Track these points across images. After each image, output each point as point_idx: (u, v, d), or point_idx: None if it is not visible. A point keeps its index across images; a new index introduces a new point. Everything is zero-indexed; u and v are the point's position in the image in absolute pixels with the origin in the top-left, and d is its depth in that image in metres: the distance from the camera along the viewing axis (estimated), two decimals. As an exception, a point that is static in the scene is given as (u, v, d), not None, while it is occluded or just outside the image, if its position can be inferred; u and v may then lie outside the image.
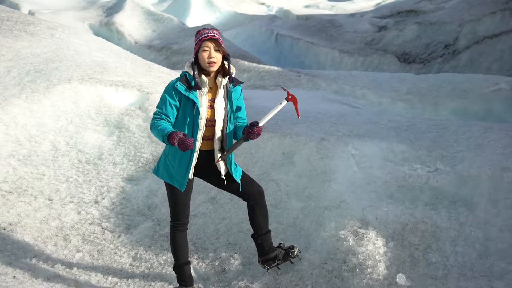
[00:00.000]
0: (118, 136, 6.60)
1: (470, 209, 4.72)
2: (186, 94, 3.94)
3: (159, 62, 17.82)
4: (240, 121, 4.20)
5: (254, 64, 16.24)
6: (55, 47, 9.13)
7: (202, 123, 4.01)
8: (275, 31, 25.43)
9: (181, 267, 4.26)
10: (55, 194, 5.71)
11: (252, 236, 4.43)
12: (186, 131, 3.95)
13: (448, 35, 20.87)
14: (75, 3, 29.97)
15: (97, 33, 20.95)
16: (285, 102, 4.21)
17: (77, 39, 10.19)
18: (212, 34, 3.98)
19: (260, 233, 4.37)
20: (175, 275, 4.32)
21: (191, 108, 3.96)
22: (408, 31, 22.36)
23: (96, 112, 6.90)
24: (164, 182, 4.17)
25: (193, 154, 4.03)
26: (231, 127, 4.12)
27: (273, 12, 34.63)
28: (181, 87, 3.95)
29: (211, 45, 3.96)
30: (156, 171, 4.17)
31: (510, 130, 5.97)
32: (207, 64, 3.97)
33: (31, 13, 24.12)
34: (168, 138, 3.75)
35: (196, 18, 29.67)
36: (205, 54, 3.96)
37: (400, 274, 4.19)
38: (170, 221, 4.22)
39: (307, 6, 39.41)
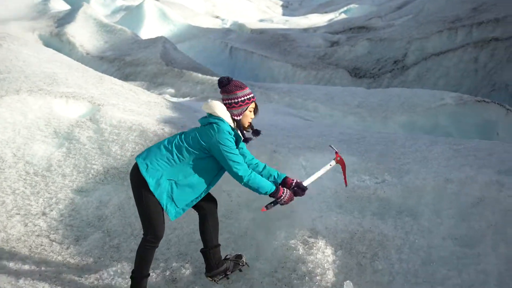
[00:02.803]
0: (68, 147, 6.51)
1: (415, 218, 4.88)
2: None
3: (111, 73, 17.63)
4: (248, 156, 4.41)
5: (208, 77, 16.28)
6: (2, 57, 8.94)
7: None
8: (229, 44, 25.54)
9: (140, 278, 4.24)
10: (0, 207, 5.59)
11: (202, 250, 4.45)
12: (214, 173, 4.21)
13: (397, 51, 21.44)
14: (25, 13, 29.33)
15: (47, 44, 20.56)
16: (334, 163, 4.48)
17: (27, 49, 10.00)
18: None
19: (211, 246, 4.39)
20: (128, 284, 4.30)
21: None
22: (359, 46, 22.85)
23: (45, 124, 6.78)
24: (144, 194, 4.07)
25: (203, 194, 4.22)
26: None
27: (227, 26, 34.77)
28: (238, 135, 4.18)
29: (255, 106, 4.29)
30: (154, 188, 4.04)
31: (454, 144, 6.19)
32: (247, 123, 4.23)
33: (-22, 22, 23.48)
34: (272, 195, 4.18)
35: (150, 30, 29.49)
36: (250, 115, 4.22)
37: (348, 281, 4.29)
38: (145, 235, 4.18)
39: (261, 20, 39.75)
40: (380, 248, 4.60)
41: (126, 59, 19.75)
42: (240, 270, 4.57)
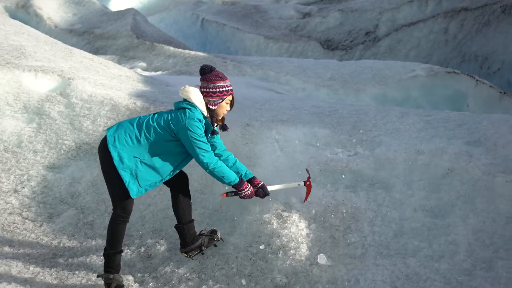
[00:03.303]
0: (39, 123, 6.40)
1: (387, 190, 4.96)
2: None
3: (80, 47, 17.27)
4: (219, 147, 4.44)
5: (180, 50, 16.07)
6: (-32, 30, 8.70)
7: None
8: (200, 16, 25.21)
9: (113, 255, 4.25)
10: (-29, 184, 5.50)
11: (176, 226, 4.46)
12: (181, 158, 4.21)
13: (368, 22, 21.45)
14: (-11, -16, 28.50)
15: (13, 16, 20.01)
16: (302, 185, 4.68)
17: (-8, 22, 9.74)
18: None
19: (184, 221, 4.41)
20: (102, 261, 4.30)
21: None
22: (331, 18, 22.78)
23: (14, 99, 6.65)
24: (112, 169, 4.08)
25: (167, 177, 4.24)
26: None
27: (198, -3, 34.29)
28: (209, 125, 4.19)
29: (232, 99, 4.30)
30: (118, 163, 4.04)
31: (425, 115, 6.27)
32: (221, 114, 4.25)
33: None
34: (235, 186, 4.28)
35: (119, 2, 28.92)
36: (226, 107, 4.23)
37: (321, 254, 4.36)
38: (114, 210, 4.19)
39: (232, -9, 39.28)
40: (353, 221, 4.67)
41: (96, 32, 19.38)
42: (215, 245, 4.61)
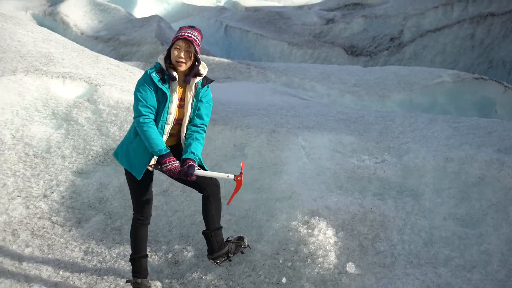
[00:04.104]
0: (67, 129, 6.48)
1: (416, 198, 4.90)
2: (160, 86, 3.99)
3: (106, 53, 17.48)
4: (197, 120, 4.19)
5: (204, 56, 16.15)
6: (-2, 37, 8.84)
7: (171, 118, 4.09)
8: (224, 22, 25.36)
9: (138, 259, 4.27)
10: (2, 189, 5.56)
11: (203, 232, 4.45)
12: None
13: (393, 28, 21.35)
14: (17, -9, 29.01)
15: (41, 24, 20.35)
16: (231, 178, 4.15)
17: (21, 29, 9.88)
18: (188, 34, 4.02)
19: (213, 228, 4.39)
20: (130, 267, 4.32)
21: (163, 101, 4.03)
22: (355, 24, 22.72)
23: (43, 105, 6.74)
24: (125, 172, 4.18)
25: None
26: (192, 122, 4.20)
27: (221, 4, 34.46)
28: (155, 77, 4.00)
29: (183, 44, 4.02)
30: (116, 155, 4.20)
31: (453, 122, 6.20)
32: (175, 62, 4.03)
33: (-30, 1, 23.20)
34: (160, 157, 3.96)
35: (144, 9, 29.22)
36: (176, 52, 4.02)
37: (350, 263, 4.32)
38: (133, 214, 4.23)
39: (256, -2, 39.41)
40: (381, 229, 4.62)
41: (121, 39, 19.60)
42: (242, 252, 4.59)
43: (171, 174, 4.02)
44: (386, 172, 5.23)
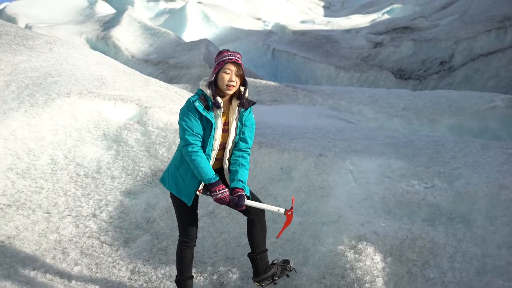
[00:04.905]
0: (117, 150, 6.62)
1: (468, 225, 4.75)
2: (204, 114, 3.98)
3: (156, 76, 17.89)
4: (242, 144, 4.19)
5: (251, 79, 16.31)
6: (53, 61, 9.17)
7: (216, 144, 4.08)
8: (271, 46, 25.57)
9: (184, 281, 4.28)
10: (53, 208, 5.71)
11: (249, 255, 4.42)
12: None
13: (443, 52, 21.05)
14: (72, 17, 30.08)
15: (94, 47, 21.03)
16: (282, 212, 4.16)
17: (76, 53, 10.24)
18: (236, 58, 4.02)
19: (258, 251, 4.36)
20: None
21: (208, 128, 4.03)
22: (404, 47, 22.53)
23: (94, 126, 6.92)
24: (171, 196, 4.22)
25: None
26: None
27: (269, 27, 34.84)
28: (199, 106, 3.99)
29: (233, 68, 4.01)
30: (163, 181, 4.23)
31: (507, 148, 6.02)
32: (225, 86, 4.00)
33: (28, 27, 24.20)
34: (210, 185, 3.96)
35: (193, 32, 29.81)
36: (226, 77, 3.99)
37: (398, 290, 4.21)
38: (179, 236, 4.26)
39: (303, 22, 39.67)
40: (431, 256, 4.49)
41: (170, 62, 19.99)
42: (288, 276, 4.54)
43: (221, 203, 4.04)
44: (436, 197, 5.11)
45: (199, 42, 22.11)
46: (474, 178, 5.23)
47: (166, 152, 6.48)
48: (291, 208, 4.17)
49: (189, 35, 29.15)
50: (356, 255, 4.55)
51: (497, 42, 19.77)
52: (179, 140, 4.15)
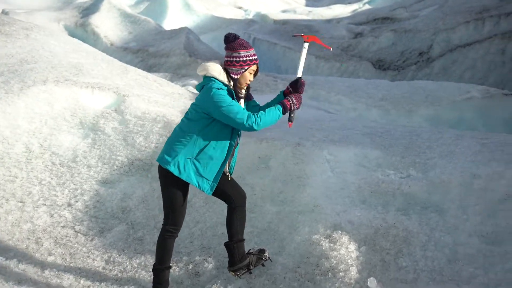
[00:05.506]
0: (93, 138, 6.56)
1: (441, 214, 4.82)
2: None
3: (135, 64, 17.71)
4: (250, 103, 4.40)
5: (231, 68, 16.26)
6: (30, 48, 9.03)
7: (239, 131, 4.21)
8: (252, 35, 25.50)
9: (162, 270, 4.26)
10: (27, 197, 5.66)
11: (226, 244, 4.44)
12: (228, 136, 4.12)
13: (422, 43, 21.19)
14: (50, 3, 29.64)
15: (72, 34, 20.75)
16: (307, 45, 4.34)
17: (53, 40, 10.09)
18: (256, 58, 4.15)
19: (236, 240, 4.38)
20: (151, 277, 4.33)
21: None
22: (384, 38, 22.63)
23: (71, 114, 6.84)
24: (166, 184, 4.13)
25: (228, 158, 4.18)
26: None
27: (250, 16, 34.68)
28: (230, 94, 4.05)
29: (255, 68, 4.17)
30: (179, 173, 4.05)
31: (480, 138, 6.09)
32: (244, 84, 4.15)
33: (5, 12, 23.79)
34: (284, 110, 4.12)
35: (173, 20, 29.57)
36: (249, 76, 4.14)
37: (372, 278, 4.26)
38: (165, 225, 4.22)
39: (284, 11, 39.56)
40: (404, 244, 4.55)
41: (150, 50, 19.85)
42: (263, 265, 4.57)
43: (301, 101, 4.23)
44: (411, 187, 5.17)
45: (179, 30, 21.94)
46: (448, 168, 5.30)
47: (144, 141, 6.44)
48: (303, 36, 4.41)
49: (169, 23, 28.91)
50: (331, 244, 4.59)
51: (475, 34, 19.96)
52: (174, 127, 4.18)
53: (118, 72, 9.02)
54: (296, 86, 4.21)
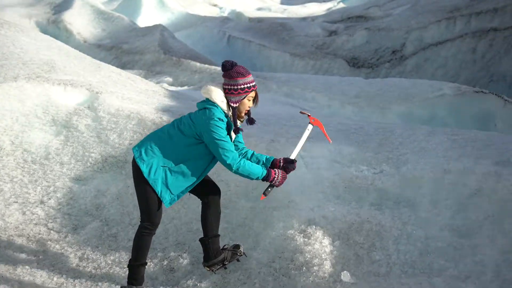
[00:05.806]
0: (66, 135, 6.49)
1: (413, 209, 4.90)
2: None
3: (108, 61, 17.51)
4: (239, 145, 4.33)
5: (206, 66, 16.23)
6: (0, 44, 8.89)
7: None
8: (227, 33, 25.44)
9: (137, 267, 4.24)
10: (-1, 194, 5.58)
11: (201, 239, 4.44)
12: (207, 161, 4.14)
13: (395, 41, 21.43)
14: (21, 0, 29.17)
15: (44, 31, 20.39)
16: (311, 127, 4.39)
17: (24, 36, 9.92)
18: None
19: (211, 235, 4.38)
20: (126, 273, 4.31)
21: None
22: (358, 36, 22.80)
23: (43, 111, 6.75)
24: (140, 181, 4.12)
25: (197, 181, 4.18)
26: None
27: (225, 14, 34.58)
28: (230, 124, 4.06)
29: (254, 94, 4.16)
30: (148, 175, 4.05)
31: (452, 134, 6.20)
32: (243, 112, 4.14)
33: (-25, 8, 23.33)
34: (266, 178, 4.11)
35: (147, 18, 29.33)
36: (248, 103, 4.12)
37: (345, 271, 4.32)
38: (142, 222, 4.20)
39: (259, 9, 39.55)
40: (377, 238, 4.62)
41: (124, 47, 19.68)
42: (238, 260, 4.58)
43: (284, 180, 4.23)
44: (384, 182, 5.24)
45: (153, 27, 21.78)
46: (420, 164, 5.38)
47: (118, 138, 6.40)
48: (309, 116, 4.46)
49: (143, 21, 28.65)
50: (305, 239, 4.63)
51: (447, 32, 20.25)
52: (147, 132, 4.12)
53: (91, 69, 8.92)
54: (288, 165, 4.25)
